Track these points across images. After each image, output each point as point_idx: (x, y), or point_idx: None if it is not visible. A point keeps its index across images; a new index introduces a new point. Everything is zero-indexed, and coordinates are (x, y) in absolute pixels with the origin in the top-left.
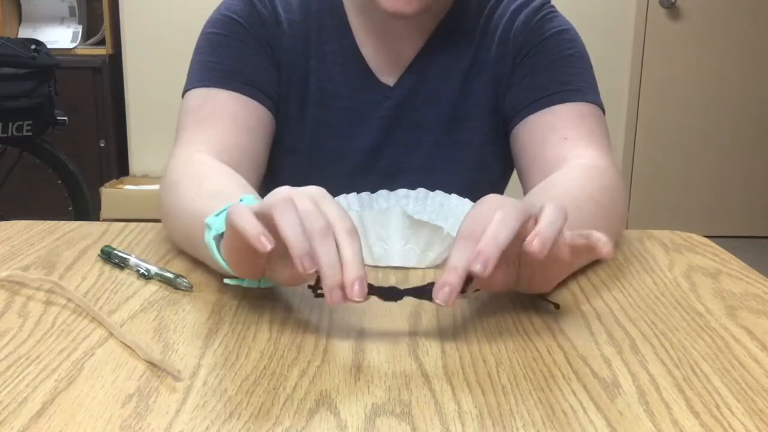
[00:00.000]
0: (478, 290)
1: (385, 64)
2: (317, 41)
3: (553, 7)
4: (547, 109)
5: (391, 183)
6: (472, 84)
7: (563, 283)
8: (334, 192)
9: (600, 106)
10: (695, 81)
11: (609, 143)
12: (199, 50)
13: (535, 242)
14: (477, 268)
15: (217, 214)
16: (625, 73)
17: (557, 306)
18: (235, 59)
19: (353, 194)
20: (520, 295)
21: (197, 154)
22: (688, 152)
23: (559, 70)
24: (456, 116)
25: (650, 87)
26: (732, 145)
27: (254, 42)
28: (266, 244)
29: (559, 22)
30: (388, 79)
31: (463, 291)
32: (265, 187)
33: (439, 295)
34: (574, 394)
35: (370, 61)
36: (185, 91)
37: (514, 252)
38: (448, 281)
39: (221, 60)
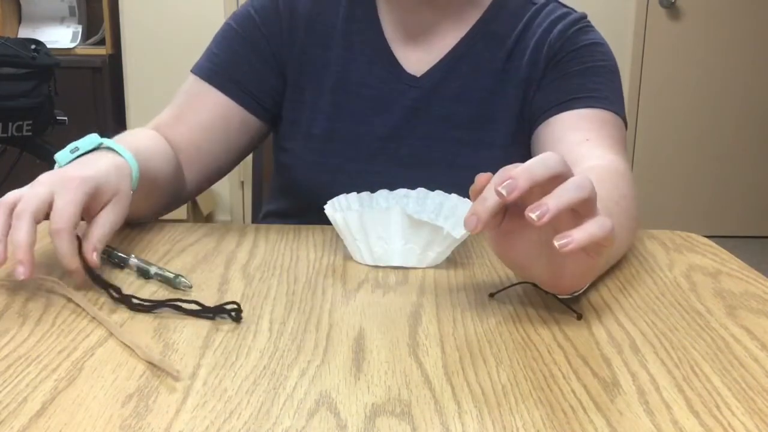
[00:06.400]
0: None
1: (415, 57)
2: (344, 30)
3: (590, 22)
4: (571, 111)
5: (411, 173)
6: (502, 85)
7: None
8: (352, 176)
9: (624, 119)
10: (695, 81)
11: (626, 153)
12: (216, 37)
13: (529, 209)
14: (501, 191)
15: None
16: (625, 73)
17: (580, 316)
18: (234, 57)
19: (353, 194)
20: (520, 294)
21: (151, 130)
22: (688, 152)
23: (588, 78)
24: (483, 115)
25: (650, 87)
26: (732, 145)
27: (264, 43)
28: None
29: (595, 36)
30: (416, 70)
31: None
32: (281, 169)
33: (467, 221)
34: (574, 394)
35: (399, 54)
36: (193, 69)
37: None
38: (476, 211)
39: (221, 54)
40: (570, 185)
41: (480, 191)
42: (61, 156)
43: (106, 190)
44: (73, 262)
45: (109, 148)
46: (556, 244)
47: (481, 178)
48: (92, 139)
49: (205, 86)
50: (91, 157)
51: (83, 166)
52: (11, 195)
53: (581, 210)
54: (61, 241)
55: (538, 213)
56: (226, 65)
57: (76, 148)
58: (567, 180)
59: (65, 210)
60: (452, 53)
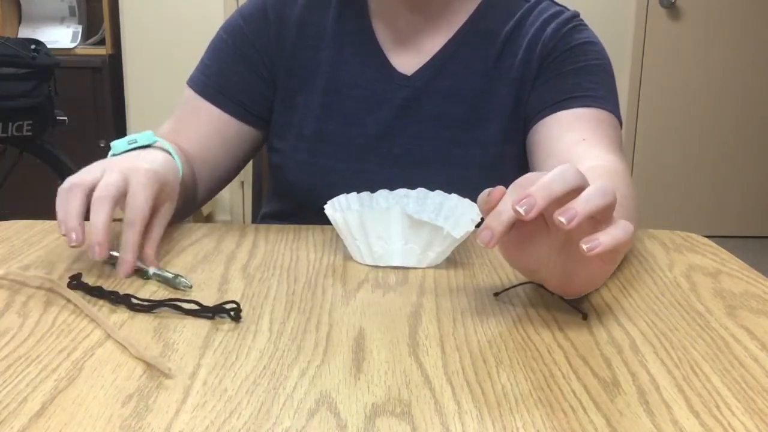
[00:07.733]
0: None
1: (406, 57)
2: (334, 32)
3: (583, 20)
4: (567, 111)
5: (404, 172)
6: (494, 83)
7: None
8: (344, 176)
9: (619, 118)
10: (695, 81)
11: (623, 153)
12: (208, 47)
13: (558, 213)
14: (519, 210)
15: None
16: (625, 73)
17: (585, 316)
18: (224, 68)
19: (353, 194)
20: (520, 295)
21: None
22: (688, 152)
23: (583, 77)
24: (475, 114)
25: (650, 87)
26: (732, 145)
27: (252, 52)
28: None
29: (588, 34)
30: (407, 70)
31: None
32: (274, 170)
33: (481, 236)
34: (574, 394)
35: (390, 54)
36: (188, 80)
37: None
38: (490, 225)
39: (212, 65)
40: (595, 192)
41: (493, 206)
42: (117, 145)
43: (166, 189)
44: (133, 253)
45: (161, 148)
46: (584, 247)
47: (495, 192)
48: (149, 135)
49: (198, 99)
50: (149, 152)
51: (148, 162)
52: (78, 178)
53: (600, 216)
54: (133, 233)
55: (567, 217)
56: (216, 77)
57: (134, 141)
58: (586, 189)
59: (143, 206)
60: (442, 52)
